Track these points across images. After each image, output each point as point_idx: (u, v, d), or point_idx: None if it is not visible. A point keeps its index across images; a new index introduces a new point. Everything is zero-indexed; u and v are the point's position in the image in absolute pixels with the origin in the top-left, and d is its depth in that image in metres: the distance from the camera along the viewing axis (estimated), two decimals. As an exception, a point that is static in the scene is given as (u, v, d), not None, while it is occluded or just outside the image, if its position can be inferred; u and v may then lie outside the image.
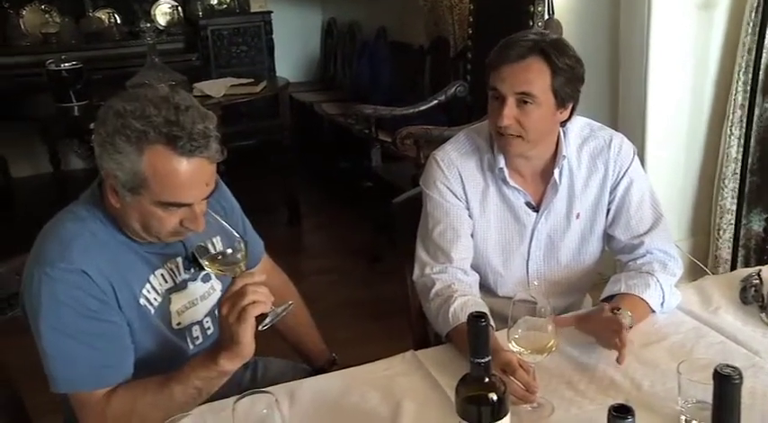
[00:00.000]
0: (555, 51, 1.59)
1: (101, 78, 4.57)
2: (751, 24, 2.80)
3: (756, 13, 2.76)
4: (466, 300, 1.62)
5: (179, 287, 1.53)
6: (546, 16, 3.09)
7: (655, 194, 1.79)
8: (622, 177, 1.75)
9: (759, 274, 1.74)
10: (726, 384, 0.87)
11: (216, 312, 1.61)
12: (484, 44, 3.08)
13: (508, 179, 1.72)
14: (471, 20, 3.64)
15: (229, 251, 1.43)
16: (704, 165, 3.15)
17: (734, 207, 3.03)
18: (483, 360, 1.05)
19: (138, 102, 1.31)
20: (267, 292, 1.36)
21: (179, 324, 1.54)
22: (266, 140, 4.53)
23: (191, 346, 1.57)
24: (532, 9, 3.07)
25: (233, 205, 1.70)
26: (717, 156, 3.06)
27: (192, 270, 1.56)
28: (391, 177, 3.63)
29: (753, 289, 1.68)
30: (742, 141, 2.94)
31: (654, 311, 1.65)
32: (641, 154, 2.94)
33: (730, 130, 2.97)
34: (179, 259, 1.53)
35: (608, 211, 1.78)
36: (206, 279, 1.59)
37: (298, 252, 4.42)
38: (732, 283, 1.74)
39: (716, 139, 3.06)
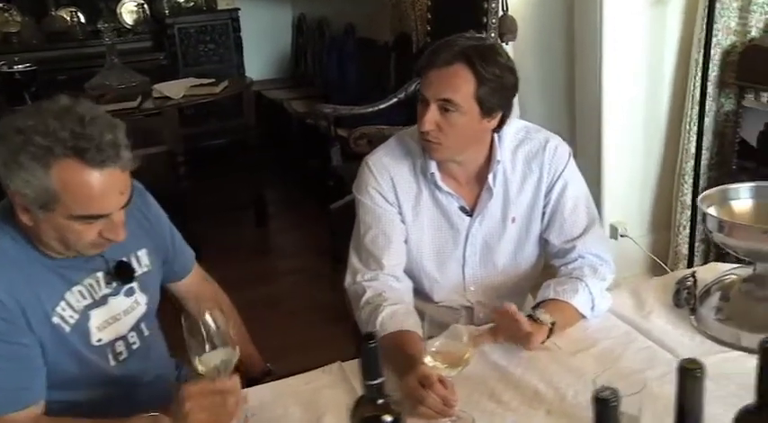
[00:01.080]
0: (481, 60, 1.56)
1: (65, 79, 4.53)
2: (705, 20, 2.78)
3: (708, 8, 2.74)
4: (395, 309, 1.60)
5: (99, 303, 1.50)
6: (500, 13, 3.07)
7: (590, 198, 1.77)
8: (557, 180, 1.73)
9: (694, 276, 1.72)
10: (604, 407, 0.85)
11: (142, 326, 1.59)
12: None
13: (440, 183, 1.69)
14: (429, 16, 3.61)
15: (224, 357, 1.31)
16: (665, 161, 3.14)
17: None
18: (375, 382, 1.02)
19: (38, 116, 1.28)
20: (242, 400, 1.30)
21: (99, 340, 1.51)
22: (232, 140, 4.50)
23: (112, 363, 1.53)
24: (486, 6, 3.05)
25: (159, 216, 1.67)
26: (677, 151, 3.05)
27: (115, 284, 1.53)
28: (351, 176, 3.59)
29: (686, 291, 1.66)
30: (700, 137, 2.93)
31: (584, 316, 1.63)
32: (598, 149, 2.94)
33: (689, 125, 2.95)
34: (99, 274, 1.50)
35: (543, 214, 1.76)
36: (129, 293, 1.56)
37: (265, 253, 4.40)
38: (668, 286, 1.72)
39: (676, 135, 3.05)
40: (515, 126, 1.75)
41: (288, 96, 5.35)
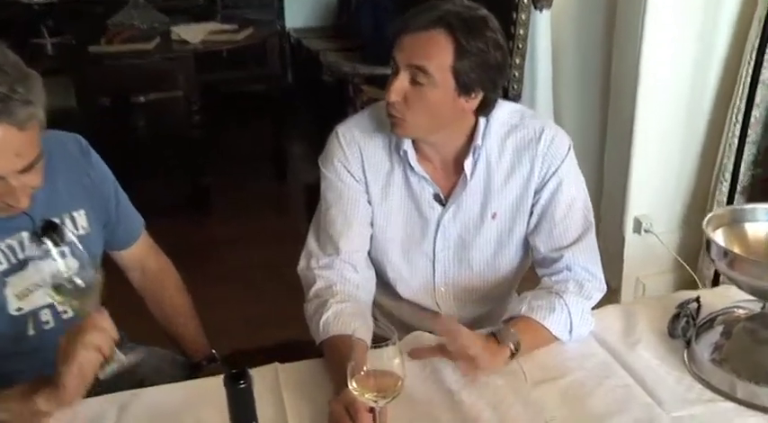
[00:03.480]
0: (465, 30, 1.34)
1: (86, 13, 4.37)
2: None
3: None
4: (341, 309, 1.41)
5: (17, 268, 1.35)
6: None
7: (588, 202, 1.54)
8: (551, 177, 1.50)
9: (698, 300, 1.48)
10: None
11: None
12: None
13: (414, 164, 1.49)
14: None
15: (79, 281, 1.23)
16: (704, 153, 2.82)
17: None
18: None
19: None
20: (109, 336, 1.18)
21: (20, 310, 1.38)
22: (257, 89, 4.32)
23: (31, 332, 1.40)
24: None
25: (104, 175, 1.51)
26: (718, 144, 2.74)
27: (43, 244, 1.37)
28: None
29: (685, 320, 1.43)
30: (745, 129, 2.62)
31: (558, 339, 1.41)
32: (630, 133, 2.65)
33: (735, 117, 2.64)
34: (24, 234, 1.35)
35: (531, 214, 1.53)
36: (60, 257, 1.40)
37: (280, 210, 4.23)
38: (667, 309, 1.49)
39: (719, 126, 2.74)
40: (509, 109, 1.52)
41: (324, 47, 5.11)
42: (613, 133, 2.82)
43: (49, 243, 1.34)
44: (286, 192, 4.33)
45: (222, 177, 4.03)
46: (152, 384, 1.40)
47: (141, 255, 1.62)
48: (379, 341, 1.13)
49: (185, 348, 1.66)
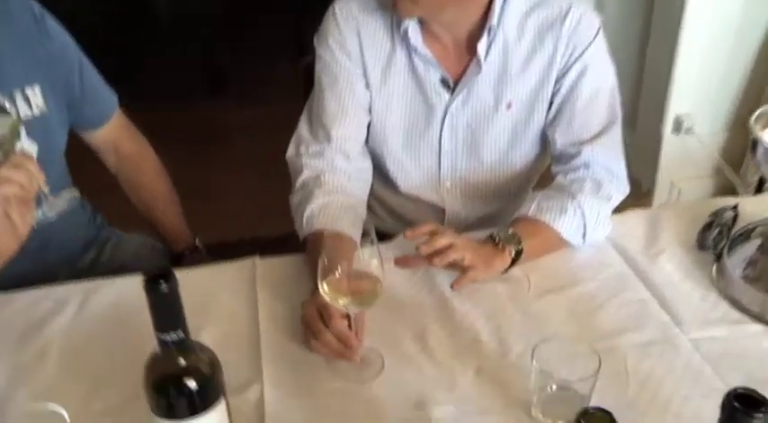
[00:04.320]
0: None
1: None
2: None
3: None
4: (328, 201, 1.26)
5: None
6: None
7: (616, 92, 1.34)
8: (575, 62, 1.30)
9: (736, 209, 1.31)
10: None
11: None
12: None
13: (417, 45, 1.30)
14: None
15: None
16: (761, 50, 2.55)
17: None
18: (170, 337, 0.71)
19: None
20: (31, 173, 1.03)
21: None
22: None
23: None
24: None
25: (65, 47, 1.35)
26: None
27: None
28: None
29: (717, 230, 1.26)
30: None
31: (571, 244, 1.26)
32: (677, 22, 2.39)
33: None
34: None
35: (550, 104, 1.35)
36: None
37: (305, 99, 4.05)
38: (699, 216, 1.32)
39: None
40: None
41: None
42: (659, 22, 2.56)
43: None
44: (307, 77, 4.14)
45: (239, 62, 3.85)
46: (130, 272, 1.29)
47: (114, 136, 1.48)
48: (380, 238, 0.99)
49: (165, 236, 1.54)
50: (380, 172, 1.45)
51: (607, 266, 1.24)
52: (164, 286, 0.68)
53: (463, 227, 1.46)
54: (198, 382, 0.73)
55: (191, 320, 1.12)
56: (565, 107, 1.32)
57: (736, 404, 0.61)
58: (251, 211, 2.66)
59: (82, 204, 1.52)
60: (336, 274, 1.01)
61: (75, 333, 1.13)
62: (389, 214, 1.53)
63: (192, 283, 1.22)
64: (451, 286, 1.17)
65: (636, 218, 1.36)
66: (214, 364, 0.75)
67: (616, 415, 0.94)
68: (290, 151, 1.39)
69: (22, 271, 1.29)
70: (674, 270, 1.22)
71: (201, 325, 1.13)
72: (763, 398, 0.61)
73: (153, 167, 1.52)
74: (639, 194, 2.71)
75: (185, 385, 0.73)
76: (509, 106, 1.35)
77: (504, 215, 1.47)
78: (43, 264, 1.33)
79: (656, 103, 2.57)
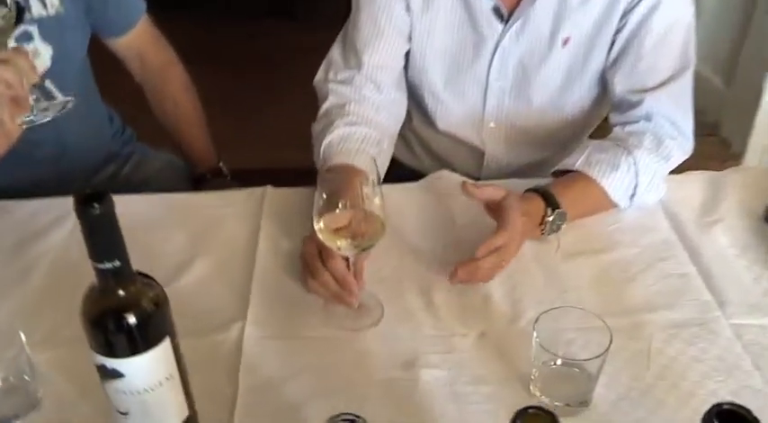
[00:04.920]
0: None
1: None
2: None
3: None
4: (349, 132, 1.16)
5: None
6: None
7: (691, 33, 1.17)
8: (646, -5, 1.13)
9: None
10: None
11: (49, 86, 1.26)
12: None
13: None
14: None
15: None
16: None
17: None
18: (107, 265, 0.63)
19: None
20: (21, 69, 0.96)
21: None
22: None
23: None
24: None
25: None
26: None
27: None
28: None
29: (791, 202, 1.10)
30: None
31: (616, 205, 1.12)
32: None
33: None
34: None
35: (612, 43, 1.19)
36: (24, 39, 1.22)
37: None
38: (770, 185, 1.15)
39: None
40: None
41: None
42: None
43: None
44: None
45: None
46: (149, 191, 1.23)
47: (139, 44, 1.40)
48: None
49: (189, 155, 1.48)
50: (419, 107, 1.34)
51: (651, 231, 1.09)
52: (97, 209, 0.60)
53: (503, 174, 1.34)
54: (138, 318, 0.66)
55: (187, 247, 1.08)
56: (630, 45, 1.16)
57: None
58: (293, 139, 2.59)
59: (110, 116, 1.47)
60: (336, 211, 0.91)
61: (67, 252, 1.07)
62: (426, 153, 1.42)
63: (196, 208, 1.18)
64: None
65: (697, 180, 1.20)
66: (159, 297, 0.68)
67: (627, 401, 0.84)
68: (319, 75, 1.28)
69: (33, 179, 1.26)
70: (729, 244, 1.06)
71: (197, 253, 1.07)
72: (750, 414, 0.49)
73: (181, 82, 1.45)
74: (727, 156, 2.47)
75: (124, 320, 0.66)
76: (566, 42, 1.20)
77: (550, 166, 1.30)
78: (57, 172, 1.29)
79: (761, 53, 2.31)
